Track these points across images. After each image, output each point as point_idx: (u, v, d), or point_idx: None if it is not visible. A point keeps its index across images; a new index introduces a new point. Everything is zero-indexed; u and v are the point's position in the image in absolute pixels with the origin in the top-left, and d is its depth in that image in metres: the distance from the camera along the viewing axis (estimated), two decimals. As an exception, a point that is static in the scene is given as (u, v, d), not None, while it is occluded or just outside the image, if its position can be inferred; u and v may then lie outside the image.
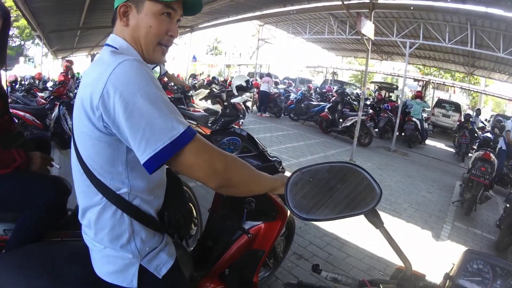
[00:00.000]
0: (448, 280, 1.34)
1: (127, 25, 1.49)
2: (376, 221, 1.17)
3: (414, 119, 15.61)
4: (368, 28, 10.10)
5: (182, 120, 1.34)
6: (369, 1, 11.24)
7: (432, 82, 29.82)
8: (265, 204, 2.39)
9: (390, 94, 24.09)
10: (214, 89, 13.26)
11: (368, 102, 18.88)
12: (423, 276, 1.40)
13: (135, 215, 1.50)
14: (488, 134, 10.26)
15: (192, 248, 2.54)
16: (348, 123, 13.37)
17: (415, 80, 31.05)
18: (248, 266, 2.33)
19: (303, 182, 1.23)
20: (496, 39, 14.58)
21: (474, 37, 14.56)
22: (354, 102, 16.60)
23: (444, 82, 30.78)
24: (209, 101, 11.57)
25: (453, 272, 1.36)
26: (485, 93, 31.77)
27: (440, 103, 23.95)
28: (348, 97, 17.70)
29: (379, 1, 11.94)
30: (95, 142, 1.37)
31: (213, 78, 21.18)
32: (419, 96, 17.32)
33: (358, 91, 23.32)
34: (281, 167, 2.74)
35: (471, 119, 16.27)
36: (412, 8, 13.57)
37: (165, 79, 11.22)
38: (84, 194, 1.51)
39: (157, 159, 1.26)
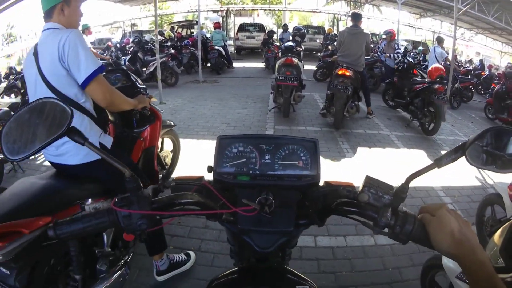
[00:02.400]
0: (212, 172, 1.33)
1: (63, 14, 2.56)
2: (79, 139, 1.13)
3: (216, 47, 15.87)
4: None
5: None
6: None
7: (232, 10, 30.24)
8: (145, 112, 3.58)
9: (192, 30, 24.07)
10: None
11: (169, 43, 18.32)
12: (201, 177, 1.42)
13: (90, 116, 2.65)
14: (290, 43, 10.59)
15: None
16: (151, 69, 12.78)
17: (214, 11, 31.32)
18: (148, 161, 3.72)
19: (11, 129, 1.21)
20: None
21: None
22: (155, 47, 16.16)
23: (243, 8, 31.52)
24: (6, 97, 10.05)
25: (213, 163, 1.33)
26: (286, 10, 33.37)
27: (243, 27, 24.59)
28: (149, 44, 17.02)
29: None
30: (63, 76, 2.42)
31: (10, 68, 18.94)
32: (218, 26, 17.79)
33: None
34: (146, 92, 4.03)
35: (274, 35, 17.28)
36: None
37: None
38: None
39: (88, 78, 2.40)
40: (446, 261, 2.49)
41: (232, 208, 1.20)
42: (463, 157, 1.09)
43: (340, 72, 7.63)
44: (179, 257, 3.38)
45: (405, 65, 9.96)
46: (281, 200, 1.22)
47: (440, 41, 13.11)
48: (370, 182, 1.15)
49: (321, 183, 1.34)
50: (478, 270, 0.93)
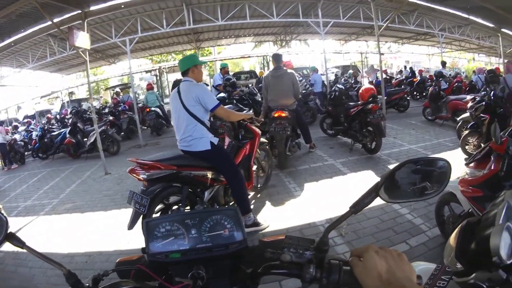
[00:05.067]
0: (145, 255, 1.36)
1: (194, 72, 4.96)
2: (17, 243, 1.20)
3: (152, 108, 15.82)
4: (82, 39, 9.82)
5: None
6: (80, 11, 10.77)
7: (164, 68, 30.19)
8: (248, 131, 5.76)
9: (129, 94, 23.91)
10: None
11: (107, 110, 18.00)
12: (141, 257, 1.45)
13: (203, 124, 4.85)
14: (222, 94, 11.26)
15: None
16: (92, 139, 12.43)
17: (147, 71, 31.21)
18: (247, 163, 5.66)
19: None
20: (214, 11, 15.47)
21: (191, 15, 15.05)
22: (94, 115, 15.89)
23: (174, 64, 31.59)
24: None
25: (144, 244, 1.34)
26: (216, 60, 33.73)
27: (176, 84, 24.19)
28: (87, 112, 16.76)
29: (91, 9, 11.45)
30: (196, 106, 4.77)
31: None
32: (150, 87, 17.83)
33: (95, 103, 22.16)
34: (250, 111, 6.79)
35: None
36: (123, 6, 13.21)
37: None
38: (187, 123, 4.78)
39: (214, 108, 4.85)
40: None
41: (169, 286, 1.25)
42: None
43: (276, 115, 7.83)
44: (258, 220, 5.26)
45: (337, 93, 10.25)
46: (214, 270, 1.27)
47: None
48: (289, 241, 1.19)
49: (257, 243, 1.39)
50: None
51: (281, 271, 1.19)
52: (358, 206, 1.16)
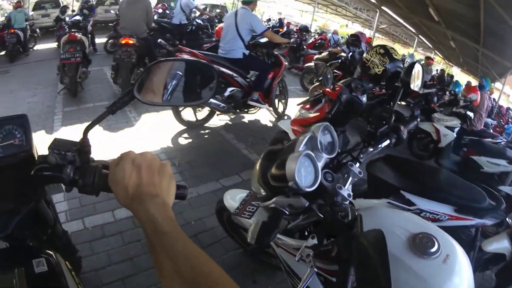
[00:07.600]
0: None
1: (253, 4, 6.45)
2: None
3: (17, 30, 13.01)
4: None
5: None
6: None
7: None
8: (277, 59, 6.89)
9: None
10: None
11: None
12: None
13: (243, 43, 6.42)
14: (77, 17, 9.92)
15: None
16: None
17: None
18: (270, 83, 6.75)
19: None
20: None
21: None
22: None
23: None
24: None
25: None
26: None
27: (39, 5, 20.98)
28: None
29: None
30: (246, 30, 6.33)
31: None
32: (19, 5, 14.67)
33: None
34: None
35: (67, 11, 16.06)
36: None
37: None
38: (231, 37, 6.34)
39: (262, 32, 6.47)
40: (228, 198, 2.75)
41: None
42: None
43: (123, 42, 7.57)
44: None
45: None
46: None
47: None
48: (55, 143, 1.18)
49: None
50: (148, 227, 0.85)
51: (47, 174, 1.14)
52: (115, 106, 1.17)
